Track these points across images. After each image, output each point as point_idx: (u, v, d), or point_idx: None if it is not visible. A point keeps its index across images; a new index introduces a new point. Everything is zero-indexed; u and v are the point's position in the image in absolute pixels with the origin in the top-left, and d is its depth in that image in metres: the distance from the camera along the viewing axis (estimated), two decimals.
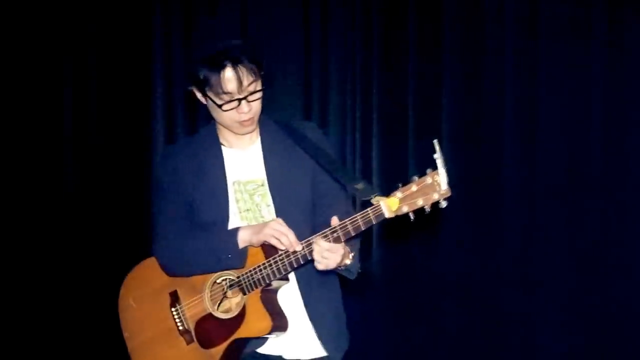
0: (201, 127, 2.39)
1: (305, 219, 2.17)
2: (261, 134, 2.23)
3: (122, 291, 2.34)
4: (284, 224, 2.03)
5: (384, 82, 3.61)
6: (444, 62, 3.52)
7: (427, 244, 3.53)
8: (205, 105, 2.17)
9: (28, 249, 3.74)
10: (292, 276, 2.16)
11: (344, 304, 2.32)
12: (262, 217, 2.18)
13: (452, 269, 3.52)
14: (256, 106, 2.12)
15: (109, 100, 3.74)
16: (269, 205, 2.18)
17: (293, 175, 2.19)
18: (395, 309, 3.60)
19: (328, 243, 1.96)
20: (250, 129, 2.17)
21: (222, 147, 2.22)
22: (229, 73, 2.04)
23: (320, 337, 2.19)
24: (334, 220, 1.98)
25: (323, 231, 1.98)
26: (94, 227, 3.74)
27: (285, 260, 2.04)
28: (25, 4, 3.70)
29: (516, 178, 3.45)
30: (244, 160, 2.22)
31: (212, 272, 2.15)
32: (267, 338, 2.16)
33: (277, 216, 2.14)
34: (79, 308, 3.73)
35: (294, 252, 2.02)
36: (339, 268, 2.06)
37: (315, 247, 1.98)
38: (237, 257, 2.08)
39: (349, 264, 2.06)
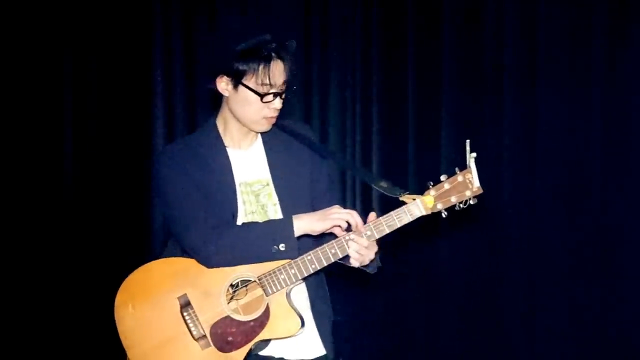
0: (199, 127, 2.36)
1: None
2: (261, 134, 2.22)
3: (119, 299, 2.21)
4: (342, 209, 2.05)
5: (384, 81, 3.61)
6: (443, 61, 3.52)
7: (426, 244, 3.53)
8: (219, 100, 2.14)
9: (27, 250, 3.74)
10: None
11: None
12: (267, 217, 2.16)
13: (451, 270, 3.52)
14: (281, 105, 2.13)
15: (109, 100, 3.74)
16: (275, 204, 2.17)
17: (296, 172, 2.20)
18: (394, 310, 3.60)
19: (367, 240, 1.99)
20: (269, 126, 2.15)
21: (227, 148, 2.19)
22: (279, 65, 2.04)
23: (321, 335, 2.19)
24: (371, 216, 2.01)
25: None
26: (94, 227, 3.74)
27: (311, 258, 2.03)
28: (26, 3, 3.70)
29: (516, 178, 3.45)
30: (248, 161, 2.20)
31: (263, 262, 2.07)
32: (269, 341, 2.13)
33: (284, 214, 2.14)
34: (78, 309, 3.73)
35: (335, 245, 2.00)
36: (364, 265, 2.07)
37: (352, 244, 1.99)
38: (293, 248, 2.05)
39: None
